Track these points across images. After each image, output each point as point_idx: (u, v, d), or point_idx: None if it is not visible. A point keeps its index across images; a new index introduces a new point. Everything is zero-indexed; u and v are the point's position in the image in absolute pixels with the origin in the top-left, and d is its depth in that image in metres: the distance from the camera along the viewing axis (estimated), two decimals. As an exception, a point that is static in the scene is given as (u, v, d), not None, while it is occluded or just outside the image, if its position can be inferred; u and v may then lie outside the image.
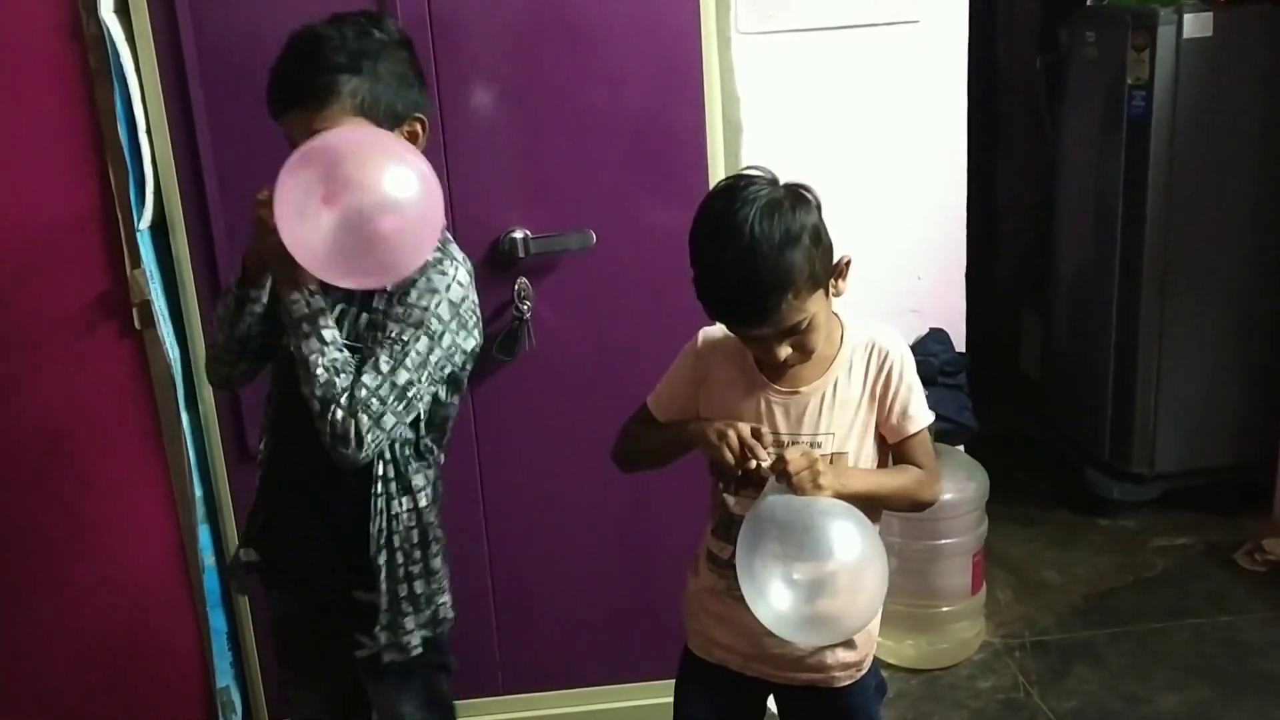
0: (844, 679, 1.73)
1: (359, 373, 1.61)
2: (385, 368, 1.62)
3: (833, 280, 1.58)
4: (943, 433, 2.77)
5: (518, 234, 2.28)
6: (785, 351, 1.56)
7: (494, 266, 2.28)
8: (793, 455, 1.52)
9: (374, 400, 1.61)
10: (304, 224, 1.46)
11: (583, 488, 2.46)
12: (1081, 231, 3.66)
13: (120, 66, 2.12)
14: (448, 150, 2.24)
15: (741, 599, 1.55)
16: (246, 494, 2.30)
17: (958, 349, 2.86)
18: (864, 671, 1.75)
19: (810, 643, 1.63)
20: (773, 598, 1.48)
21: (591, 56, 2.27)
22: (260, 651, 2.48)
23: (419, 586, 1.77)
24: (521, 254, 2.28)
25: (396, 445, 1.71)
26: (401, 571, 1.74)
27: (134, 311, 2.26)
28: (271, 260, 1.59)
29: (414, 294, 1.64)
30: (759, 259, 1.47)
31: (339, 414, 1.60)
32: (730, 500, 1.67)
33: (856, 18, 2.68)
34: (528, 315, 2.30)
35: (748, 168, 1.61)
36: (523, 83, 2.27)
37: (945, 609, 2.81)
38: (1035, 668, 2.82)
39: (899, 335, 1.68)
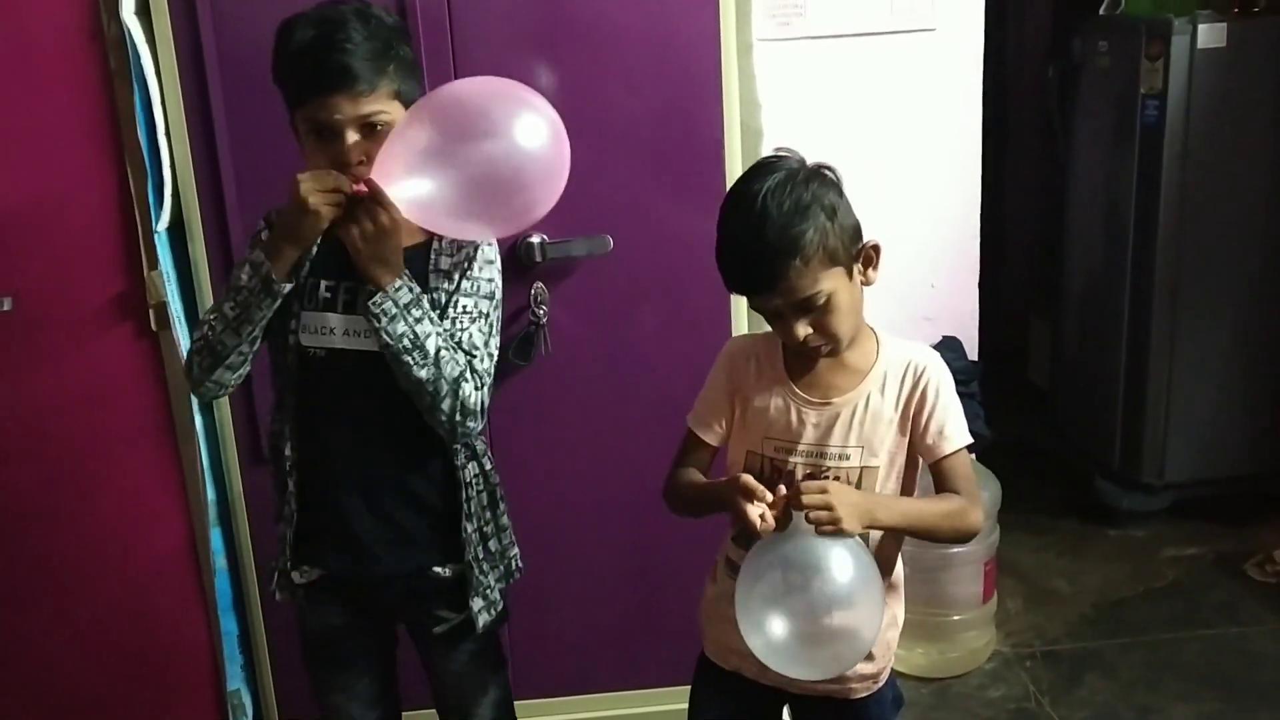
0: (861, 690, 1.72)
1: (458, 361, 1.64)
2: (480, 340, 1.67)
3: (860, 266, 1.57)
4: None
5: (535, 238, 2.28)
6: (804, 330, 1.54)
7: (511, 271, 2.27)
8: (809, 493, 1.49)
9: (487, 373, 1.67)
10: (438, 171, 1.51)
11: (597, 493, 2.46)
12: (1093, 240, 3.66)
13: (140, 68, 2.12)
14: (466, 154, 2.24)
15: None
16: (258, 498, 2.33)
17: (970, 357, 2.86)
18: (881, 684, 1.74)
19: (811, 676, 1.60)
20: (770, 634, 1.49)
21: (611, 62, 2.26)
22: (272, 654, 2.47)
23: (493, 545, 1.81)
24: (538, 259, 2.28)
25: None
26: (477, 536, 1.77)
27: (150, 313, 2.26)
28: (358, 247, 1.56)
29: (476, 267, 1.69)
30: (767, 224, 1.48)
31: (468, 390, 1.63)
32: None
33: (873, 25, 2.69)
34: (544, 320, 2.30)
35: (778, 148, 1.61)
36: (541, 88, 2.25)
37: (956, 618, 2.81)
38: (1046, 677, 2.81)
39: (938, 355, 1.65)
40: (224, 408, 2.32)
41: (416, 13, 2.16)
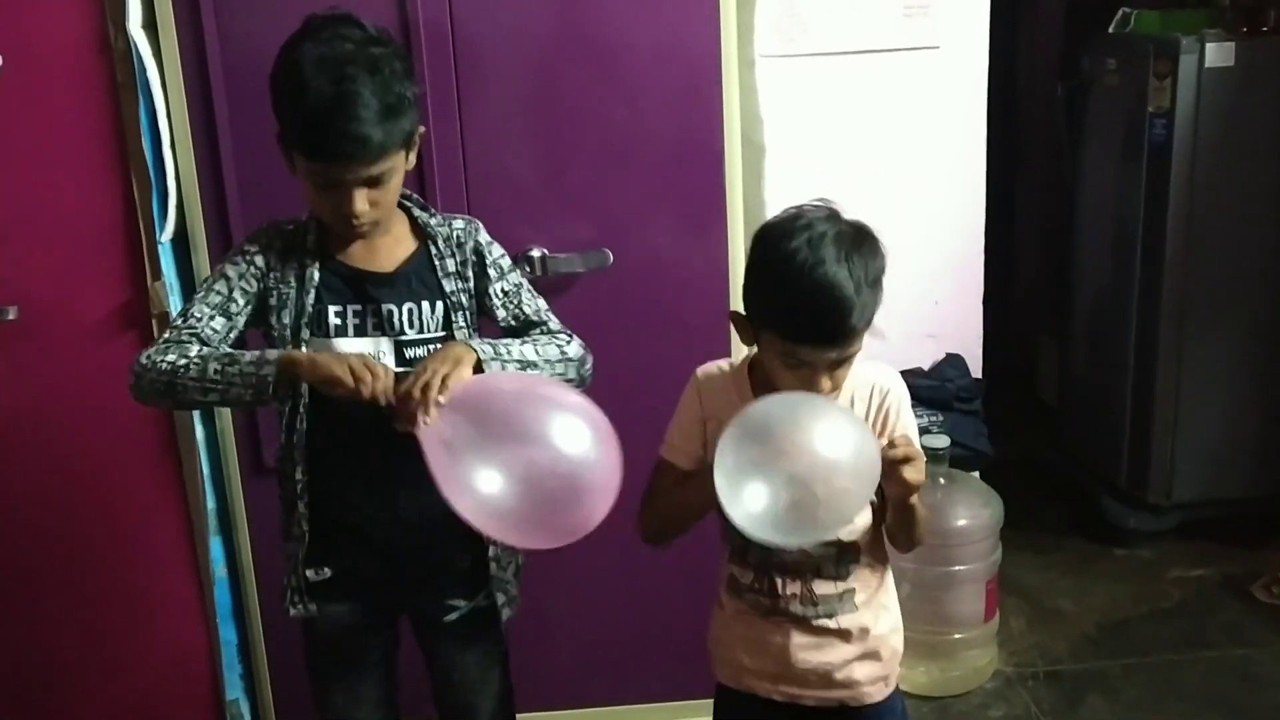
0: (875, 695, 1.71)
1: (556, 340, 1.76)
2: (538, 304, 1.81)
3: None
4: (958, 459, 2.76)
5: (535, 252, 2.29)
6: (828, 385, 1.54)
7: (511, 284, 2.29)
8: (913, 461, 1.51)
9: (562, 324, 1.82)
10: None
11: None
12: (1101, 258, 3.65)
13: (146, 81, 2.15)
14: (467, 167, 2.26)
15: (766, 616, 1.62)
16: (259, 507, 2.34)
17: (974, 375, 2.86)
18: (891, 689, 1.74)
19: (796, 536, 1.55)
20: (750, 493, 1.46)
21: (613, 77, 2.28)
22: (270, 664, 2.48)
23: None
24: (539, 272, 2.29)
25: None
26: None
27: (153, 323, 2.28)
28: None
29: (489, 251, 1.77)
30: (853, 283, 1.47)
31: (573, 349, 1.79)
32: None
33: (878, 43, 2.69)
34: (543, 334, 2.31)
35: (818, 198, 1.59)
36: (543, 101, 2.28)
37: (958, 636, 2.79)
38: (1048, 697, 2.80)
39: (898, 374, 1.68)
40: (225, 418, 2.34)
41: (420, 30, 2.18)
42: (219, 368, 1.58)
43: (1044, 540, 3.52)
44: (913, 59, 2.72)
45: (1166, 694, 2.78)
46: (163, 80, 2.17)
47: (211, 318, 1.66)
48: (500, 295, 1.77)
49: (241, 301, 1.68)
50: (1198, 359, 3.37)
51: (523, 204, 2.30)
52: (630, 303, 2.37)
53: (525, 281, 1.81)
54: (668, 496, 1.74)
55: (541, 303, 1.81)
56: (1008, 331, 4.71)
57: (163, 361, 1.60)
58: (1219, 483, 3.46)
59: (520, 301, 1.78)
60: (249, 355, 1.60)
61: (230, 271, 1.69)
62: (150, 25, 2.15)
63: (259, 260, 1.69)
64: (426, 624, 1.88)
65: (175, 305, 2.25)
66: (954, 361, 2.82)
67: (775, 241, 1.53)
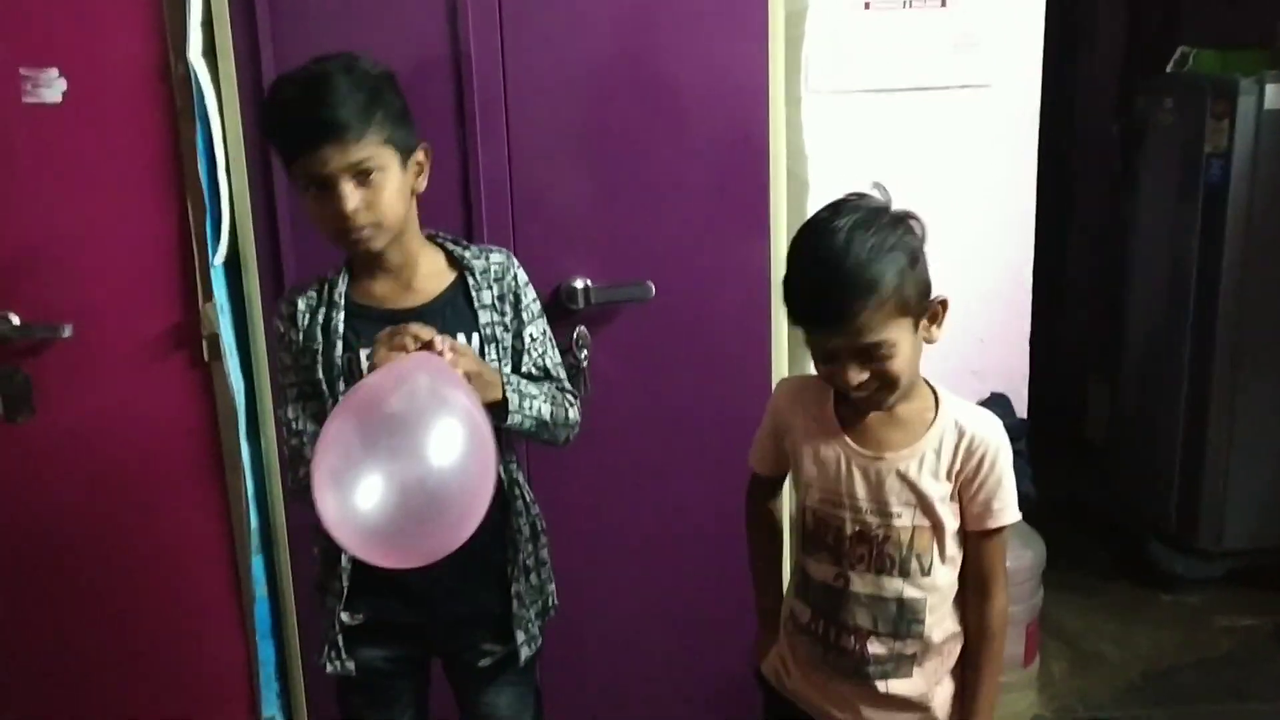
0: None
1: (568, 402, 1.78)
2: (556, 358, 1.81)
3: (926, 321, 1.53)
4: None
5: (578, 283, 2.31)
6: (858, 377, 1.48)
7: (553, 313, 2.28)
8: None
9: (570, 383, 1.83)
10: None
11: (633, 535, 2.47)
12: (1154, 300, 3.60)
13: (204, 107, 2.20)
14: (514, 196, 2.28)
15: (823, 658, 1.62)
16: (300, 528, 2.37)
17: (1019, 414, 2.83)
18: None
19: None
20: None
21: (661, 110, 2.29)
22: (307, 684, 2.50)
23: (534, 579, 1.82)
24: (581, 304, 2.31)
25: None
26: (522, 568, 1.80)
27: (204, 344, 2.32)
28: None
29: (525, 293, 1.77)
30: (848, 258, 1.43)
31: (573, 414, 1.79)
32: (810, 561, 1.65)
33: (928, 80, 2.68)
34: (585, 363, 2.32)
35: (875, 183, 1.59)
36: (590, 132, 2.30)
37: (997, 679, 2.75)
38: (1088, 745, 2.76)
39: (1000, 424, 1.60)
40: (270, 439, 2.37)
41: (471, 64, 2.21)
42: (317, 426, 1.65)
43: (1088, 584, 3.47)
44: (963, 97, 2.71)
45: (1210, 746, 2.74)
46: (220, 107, 2.21)
47: (305, 410, 1.70)
48: (529, 340, 1.77)
49: (316, 377, 1.69)
50: (1251, 403, 3.32)
51: (567, 235, 2.32)
52: (671, 335, 2.37)
53: (549, 329, 1.82)
54: (751, 542, 1.83)
55: (558, 355, 1.83)
56: (1055, 372, 4.66)
57: (289, 456, 1.72)
58: (1271, 530, 3.39)
59: (544, 352, 1.79)
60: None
61: (287, 359, 1.73)
62: (210, 53, 2.20)
63: (293, 335, 1.71)
64: (459, 667, 1.88)
65: (225, 326, 2.28)
66: (999, 400, 2.79)
67: (792, 241, 1.54)
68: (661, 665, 2.56)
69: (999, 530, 1.58)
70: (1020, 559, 2.71)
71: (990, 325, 2.80)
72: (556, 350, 1.82)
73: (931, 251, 2.71)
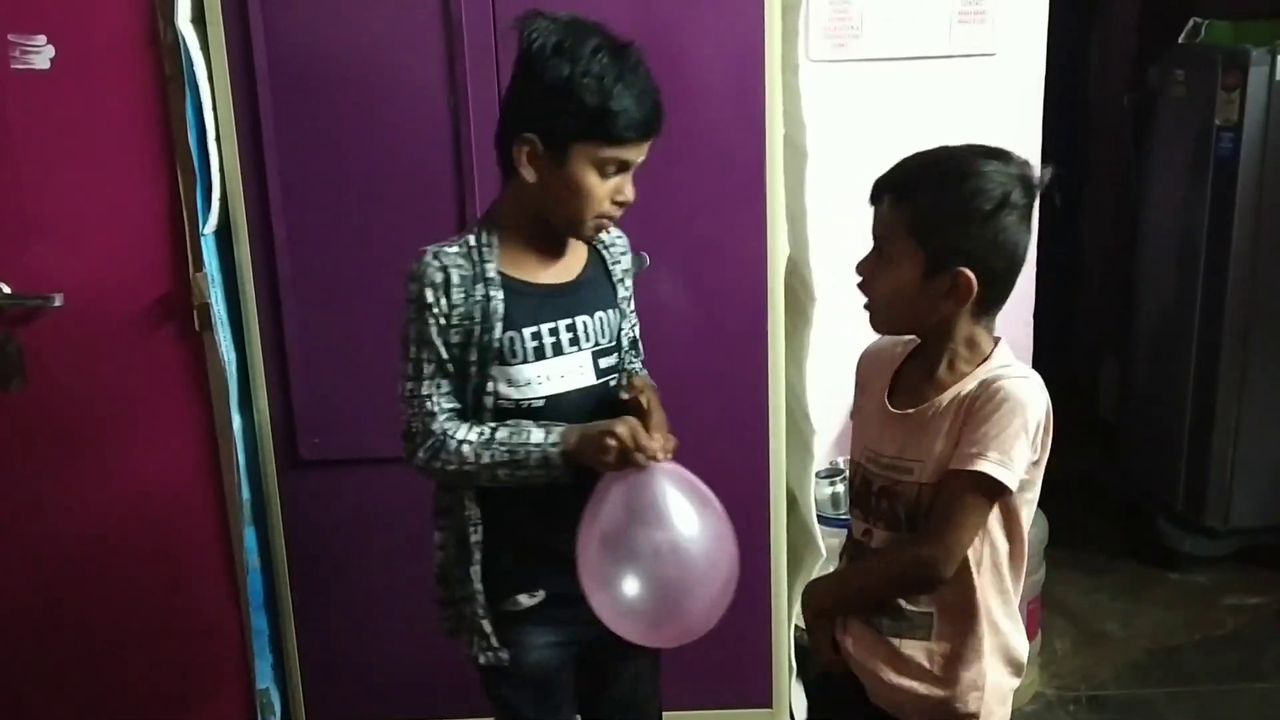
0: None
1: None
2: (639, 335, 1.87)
3: (939, 280, 1.46)
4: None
5: (572, 253, 2.28)
6: (860, 265, 1.55)
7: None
8: None
9: None
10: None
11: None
12: (1164, 274, 3.55)
13: (193, 75, 2.17)
14: (507, 167, 2.25)
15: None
16: (292, 499, 2.36)
17: (1023, 389, 2.79)
18: None
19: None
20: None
21: (655, 78, 2.25)
22: (301, 655, 2.49)
23: None
24: (575, 273, 2.27)
25: None
26: None
27: (194, 314, 2.31)
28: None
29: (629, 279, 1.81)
30: (940, 154, 1.50)
31: None
32: (852, 517, 1.64)
33: (931, 49, 2.65)
34: (579, 334, 2.30)
35: (1045, 167, 1.58)
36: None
37: (997, 656, 2.73)
38: (1089, 723, 2.73)
39: (1029, 386, 1.49)
40: (263, 409, 2.36)
41: (461, 26, 2.17)
42: (509, 473, 1.61)
43: (1095, 561, 3.44)
44: (967, 66, 2.68)
45: (1213, 726, 2.71)
46: (209, 74, 2.19)
47: (440, 388, 1.63)
48: (631, 316, 1.83)
49: (458, 354, 1.62)
50: (1261, 379, 3.27)
51: (561, 204, 2.29)
52: (667, 304, 2.34)
53: None
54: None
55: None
56: (1070, 347, 4.61)
57: (440, 466, 1.62)
58: (1279, 509, 3.34)
59: (635, 324, 1.85)
60: (532, 455, 1.59)
61: (430, 332, 1.60)
62: (199, 20, 2.17)
63: (443, 306, 1.60)
64: (603, 648, 1.74)
65: (216, 296, 2.26)
66: (1001, 375, 2.75)
67: None
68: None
69: (962, 475, 1.46)
70: (1021, 535, 2.68)
71: (993, 299, 2.77)
72: None
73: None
